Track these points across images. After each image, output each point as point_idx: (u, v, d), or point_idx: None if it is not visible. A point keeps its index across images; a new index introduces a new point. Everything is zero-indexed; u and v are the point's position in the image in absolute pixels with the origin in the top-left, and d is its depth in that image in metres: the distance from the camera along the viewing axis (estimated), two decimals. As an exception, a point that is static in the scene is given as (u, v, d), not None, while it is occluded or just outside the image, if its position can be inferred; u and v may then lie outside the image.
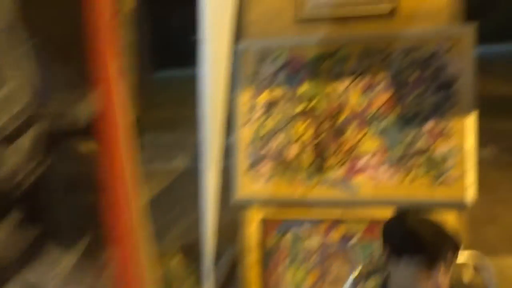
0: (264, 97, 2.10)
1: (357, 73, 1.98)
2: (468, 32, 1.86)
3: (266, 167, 2.10)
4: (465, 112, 1.85)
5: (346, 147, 2.00)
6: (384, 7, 1.95)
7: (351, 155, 1.99)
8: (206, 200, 1.88)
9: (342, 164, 2.00)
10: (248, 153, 2.12)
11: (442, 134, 1.88)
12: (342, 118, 2.00)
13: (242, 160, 2.12)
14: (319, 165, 2.03)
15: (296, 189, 2.06)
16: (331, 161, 2.02)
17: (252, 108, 2.11)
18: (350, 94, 1.99)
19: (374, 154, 1.96)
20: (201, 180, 1.87)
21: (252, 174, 2.11)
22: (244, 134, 2.12)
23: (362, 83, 1.98)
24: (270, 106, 2.09)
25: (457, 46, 1.87)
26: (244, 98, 2.12)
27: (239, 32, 2.14)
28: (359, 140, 1.98)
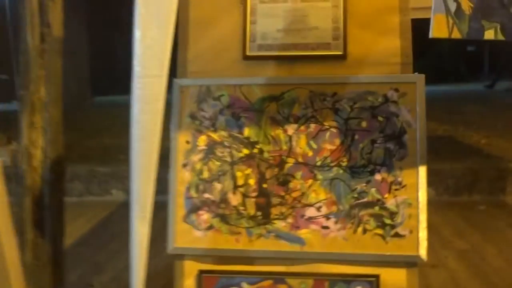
0: (204, 139, 1.92)
1: (304, 118, 1.85)
2: (419, 81, 1.80)
3: (205, 216, 1.91)
4: (417, 162, 1.77)
5: (293, 197, 1.85)
6: (334, 50, 1.85)
7: (298, 205, 1.85)
8: (135, 247, 1.65)
9: (288, 215, 1.85)
10: (185, 199, 1.92)
11: (393, 186, 1.79)
12: (288, 165, 1.86)
13: (178, 206, 1.92)
14: (263, 215, 1.87)
15: (237, 241, 1.88)
16: (276, 211, 1.86)
17: (191, 151, 1.92)
18: (297, 140, 1.86)
19: (322, 205, 1.83)
20: (130, 223, 1.65)
21: (190, 223, 1.91)
22: (182, 177, 1.92)
23: (309, 129, 1.85)
24: (211, 149, 1.91)
25: (408, 95, 1.80)
26: (182, 139, 1.93)
27: (179, 68, 1.97)
28: (307, 190, 1.84)
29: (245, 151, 1.89)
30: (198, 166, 1.92)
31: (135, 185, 1.59)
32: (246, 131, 1.89)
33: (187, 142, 1.93)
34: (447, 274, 3.03)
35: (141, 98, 1.50)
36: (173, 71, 1.99)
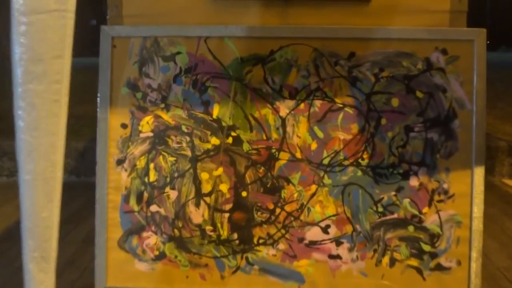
0: (150, 122, 1.25)
1: (305, 92, 1.22)
2: (478, 38, 1.20)
3: (152, 239, 1.26)
4: (472, 162, 1.20)
5: (287, 211, 1.23)
6: (354, -14, 1.21)
7: (295, 223, 1.24)
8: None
9: (280, 238, 1.24)
10: (122, 213, 1.26)
11: (436, 196, 1.21)
12: (280, 163, 1.23)
13: (111, 224, 1.26)
14: (241, 238, 1.25)
15: (203, 277, 1.25)
16: (262, 232, 1.24)
17: (130, 139, 1.25)
18: (294, 125, 1.23)
19: (330, 224, 1.23)
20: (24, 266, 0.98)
21: (129, 250, 1.26)
22: (116, 181, 1.25)
23: (313, 108, 1.22)
24: (161, 137, 1.25)
25: (461, 60, 1.20)
26: (115, 121, 1.25)
27: (110, 10, 1.26)
28: (308, 201, 1.23)
29: (214, 141, 1.24)
30: (141, 163, 1.25)
31: (27, 210, 0.91)
32: (216, 110, 1.24)
33: (124, 125, 1.25)
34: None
35: (28, 54, 0.80)
36: (100, 14, 1.28)
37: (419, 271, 1.22)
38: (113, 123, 1.25)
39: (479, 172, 1.20)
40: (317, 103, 1.22)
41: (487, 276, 2.60)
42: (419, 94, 1.21)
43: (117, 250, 1.26)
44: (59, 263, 1.79)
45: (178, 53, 1.24)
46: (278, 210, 1.24)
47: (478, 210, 1.20)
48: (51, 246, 0.95)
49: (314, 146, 1.23)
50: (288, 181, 1.23)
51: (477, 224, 1.20)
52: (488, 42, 1.22)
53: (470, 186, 1.20)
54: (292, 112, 1.23)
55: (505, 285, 2.53)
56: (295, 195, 1.23)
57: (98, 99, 1.25)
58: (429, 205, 1.21)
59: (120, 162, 1.26)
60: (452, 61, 1.21)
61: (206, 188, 1.25)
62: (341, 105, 1.22)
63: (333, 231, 1.23)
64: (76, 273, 1.66)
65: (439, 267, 1.22)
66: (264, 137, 1.23)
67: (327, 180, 1.23)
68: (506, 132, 3.99)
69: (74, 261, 1.76)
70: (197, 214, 1.25)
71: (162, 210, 1.25)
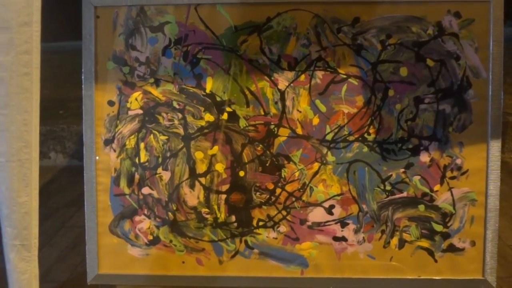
0: (139, 98, 1.16)
1: (305, 62, 1.12)
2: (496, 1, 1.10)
3: (145, 223, 1.19)
4: (488, 135, 1.11)
5: (288, 191, 1.15)
6: None
7: (296, 204, 1.16)
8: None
9: (281, 220, 1.16)
10: (112, 197, 1.18)
11: (448, 172, 1.12)
12: (279, 140, 1.15)
13: (101, 208, 1.18)
14: (239, 221, 1.17)
15: (199, 262, 1.18)
16: (261, 214, 1.17)
17: (117, 117, 1.16)
18: (294, 98, 1.14)
19: (335, 204, 1.15)
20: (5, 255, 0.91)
21: (121, 235, 1.19)
22: (105, 162, 1.17)
23: (314, 80, 1.13)
24: (151, 114, 1.16)
25: (476, 24, 1.09)
26: (101, 98, 1.16)
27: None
28: (310, 180, 1.15)
29: (208, 118, 1.15)
30: (131, 143, 1.17)
31: (3, 195, 0.83)
32: (209, 84, 1.15)
33: (111, 103, 1.16)
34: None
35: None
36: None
37: (430, 252, 1.14)
38: (99, 100, 1.16)
39: (495, 146, 1.10)
40: (319, 74, 1.13)
41: (497, 254, 2.54)
42: (429, 62, 1.11)
43: (109, 235, 1.19)
44: (62, 248, 1.69)
45: (167, 22, 1.14)
46: (278, 190, 1.15)
47: (494, 187, 1.11)
48: (31, 233, 0.88)
49: (316, 121, 1.13)
50: (289, 159, 1.15)
51: (493, 201, 1.12)
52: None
53: (485, 161, 1.11)
54: (292, 84, 1.13)
55: (517, 265, 2.41)
56: (297, 174, 1.15)
57: (82, 76, 1.16)
58: (441, 183, 1.12)
59: (108, 142, 1.17)
60: (466, 25, 1.10)
61: (201, 168, 1.16)
62: (344, 76, 1.12)
63: (337, 211, 1.15)
64: (78, 258, 1.59)
65: (452, 248, 1.14)
66: (262, 112, 1.14)
67: (330, 157, 1.14)
68: (515, 107, 3.87)
69: (76, 245, 1.69)
70: (192, 196, 1.17)
71: (154, 193, 1.17)
